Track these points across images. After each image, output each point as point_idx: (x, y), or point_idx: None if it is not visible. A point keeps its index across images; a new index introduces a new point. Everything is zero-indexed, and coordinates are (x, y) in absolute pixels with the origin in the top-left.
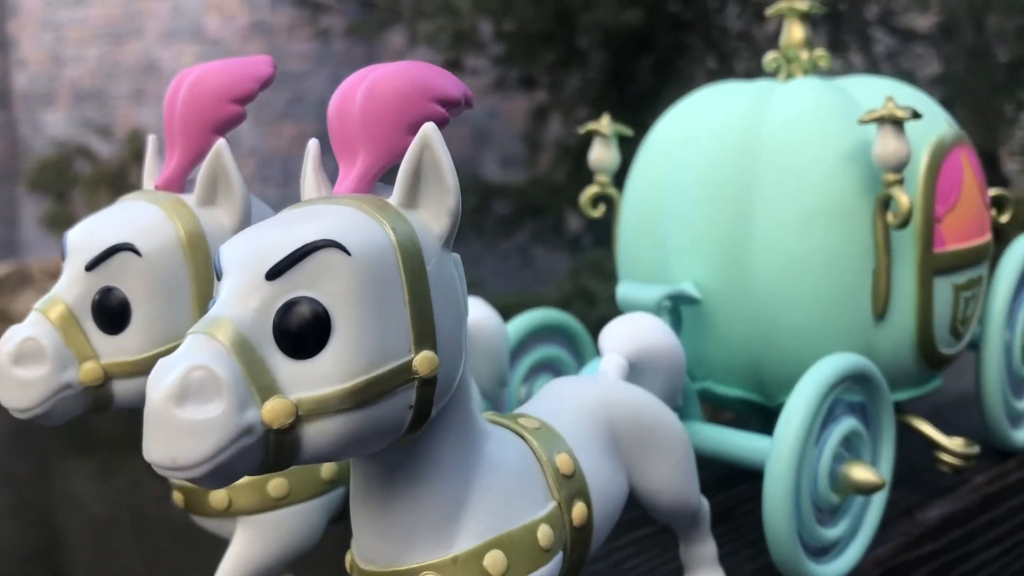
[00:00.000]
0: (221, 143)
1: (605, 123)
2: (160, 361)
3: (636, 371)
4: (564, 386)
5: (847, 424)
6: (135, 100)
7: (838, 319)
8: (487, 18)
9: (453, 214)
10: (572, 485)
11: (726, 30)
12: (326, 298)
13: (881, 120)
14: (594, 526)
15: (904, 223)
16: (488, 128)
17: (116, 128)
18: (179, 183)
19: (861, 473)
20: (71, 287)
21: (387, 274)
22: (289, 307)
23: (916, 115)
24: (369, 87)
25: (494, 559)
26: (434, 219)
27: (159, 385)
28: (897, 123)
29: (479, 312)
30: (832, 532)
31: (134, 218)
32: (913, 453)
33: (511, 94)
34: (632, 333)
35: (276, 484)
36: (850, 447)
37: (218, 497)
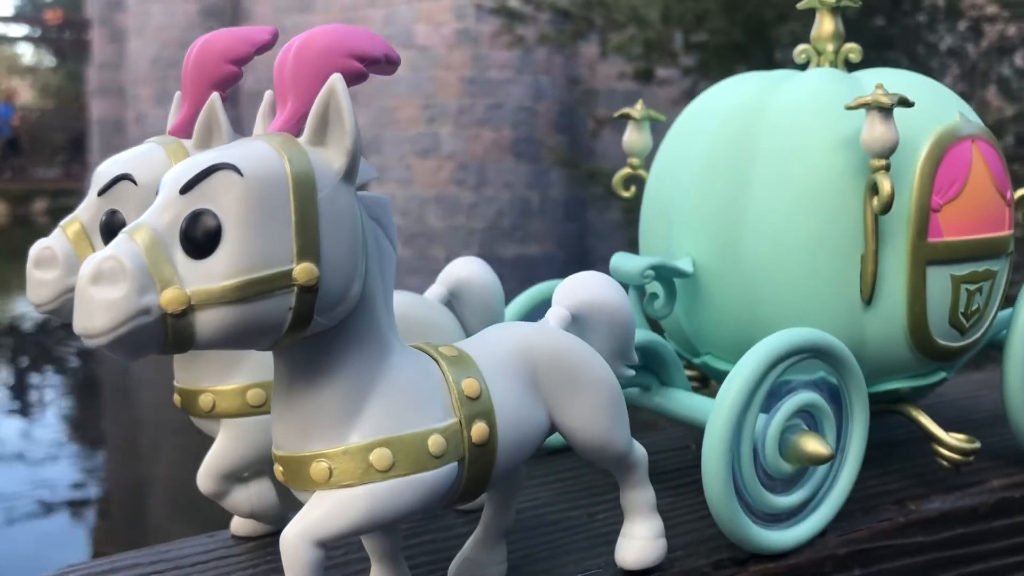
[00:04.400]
0: (214, 97)
1: (638, 108)
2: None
3: (580, 324)
4: (500, 328)
5: (805, 397)
6: None
7: (825, 300)
8: (678, 29)
9: (349, 153)
10: (476, 406)
11: (935, 47)
12: (220, 210)
13: (868, 106)
14: (497, 446)
15: (886, 209)
16: None
17: None
18: (188, 130)
19: (810, 444)
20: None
21: (276, 195)
22: (194, 216)
23: (906, 103)
24: (300, 44)
25: (380, 455)
26: (335, 156)
27: (83, 269)
28: (884, 110)
29: (474, 268)
30: (784, 500)
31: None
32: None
33: None
34: (577, 288)
35: (254, 393)
36: (812, 421)
37: (205, 400)
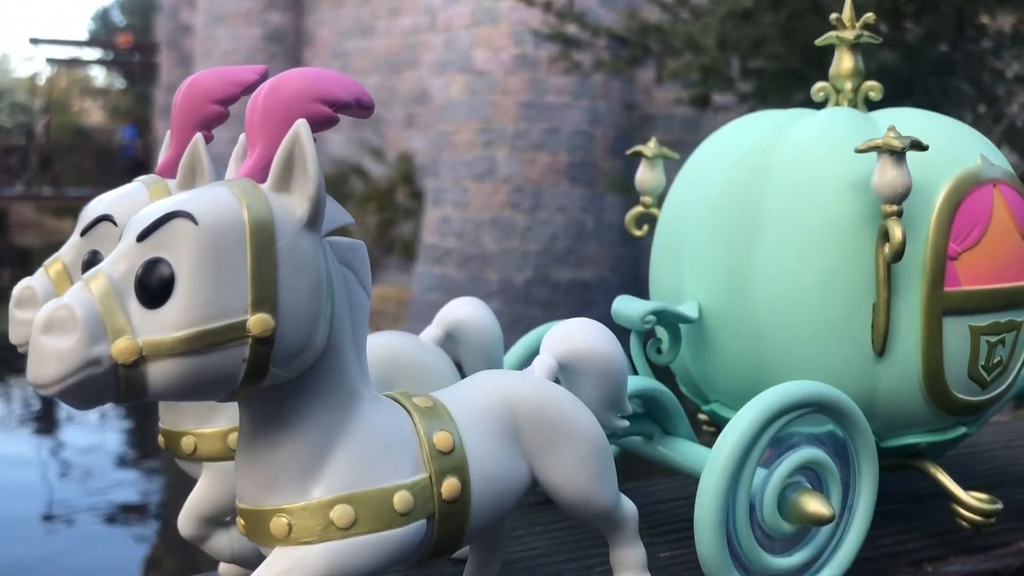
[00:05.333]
0: (197, 137)
1: (651, 145)
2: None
3: (568, 373)
4: (482, 377)
5: (808, 453)
6: (406, 125)
7: (835, 350)
8: (734, 56)
9: (312, 199)
10: (447, 461)
11: (1001, 73)
12: (174, 259)
13: (879, 149)
14: (471, 503)
15: (897, 257)
16: None
17: (387, 150)
18: (174, 170)
19: (811, 504)
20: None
21: (231, 243)
22: (149, 265)
23: (919, 147)
24: (269, 88)
25: (341, 512)
26: (299, 203)
27: (37, 317)
28: (896, 154)
29: (472, 310)
30: (784, 561)
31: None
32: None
33: None
34: (565, 336)
35: (236, 437)
36: (816, 479)
37: (187, 443)
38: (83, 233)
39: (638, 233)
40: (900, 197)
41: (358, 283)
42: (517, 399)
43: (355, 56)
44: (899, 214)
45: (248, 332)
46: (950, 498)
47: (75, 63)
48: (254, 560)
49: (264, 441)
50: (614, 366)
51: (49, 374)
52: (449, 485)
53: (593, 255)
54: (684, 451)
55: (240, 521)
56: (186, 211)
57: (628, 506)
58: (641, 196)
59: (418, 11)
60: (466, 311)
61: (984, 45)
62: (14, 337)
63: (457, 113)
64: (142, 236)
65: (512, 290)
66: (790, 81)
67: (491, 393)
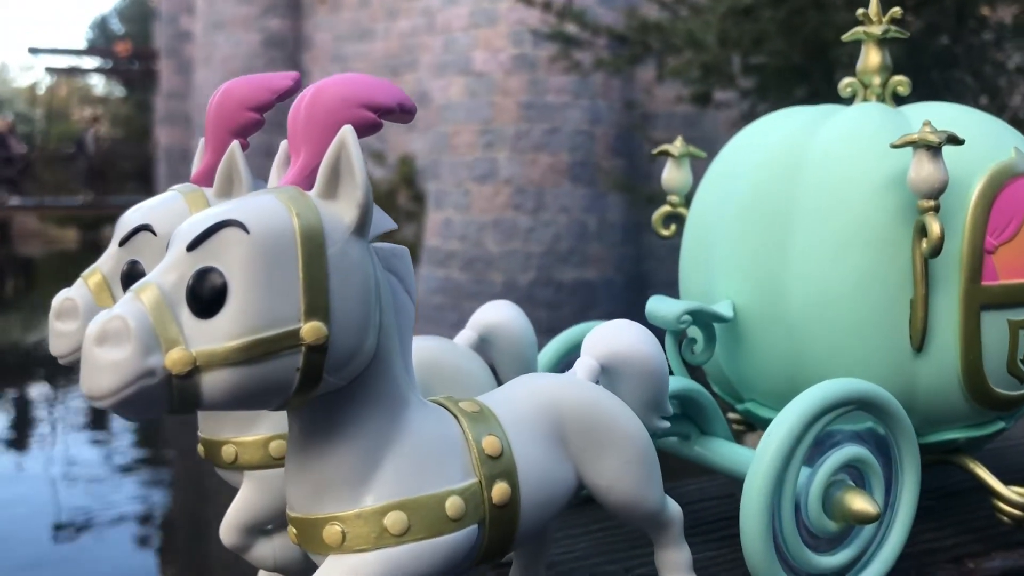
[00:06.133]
0: (234, 145)
1: (677, 144)
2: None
3: (610, 375)
4: (526, 380)
5: (851, 451)
6: (407, 128)
7: (873, 347)
8: (735, 52)
9: (361, 206)
10: (497, 465)
11: (1002, 65)
12: (226, 268)
13: (914, 144)
14: (520, 507)
15: (935, 252)
16: None
17: (388, 153)
18: (210, 178)
19: (856, 502)
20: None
21: (283, 252)
22: (200, 274)
23: (955, 141)
24: (312, 95)
25: (395, 519)
26: (346, 210)
27: (89, 329)
28: (932, 148)
29: (506, 313)
30: (829, 560)
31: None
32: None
33: None
34: (607, 338)
35: (277, 445)
36: (859, 476)
37: (228, 451)
38: (122, 243)
39: (665, 233)
40: (937, 192)
41: (403, 289)
42: (563, 402)
43: (354, 60)
44: (936, 209)
45: (302, 340)
46: (990, 493)
47: (74, 72)
48: (297, 569)
49: (315, 449)
50: (656, 367)
51: (104, 386)
52: (499, 490)
53: (596, 255)
54: (722, 451)
55: (292, 530)
56: (237, 220)
57: (674, 507)
58: (668, 195)
59: (416, 13)
60: (500, 314)
61: (985, 37)
62: (55, 349)
63: (457, 115)
64: (192, 245)
65: (516, 292)
66: (791, 77)
67: (536, 397)
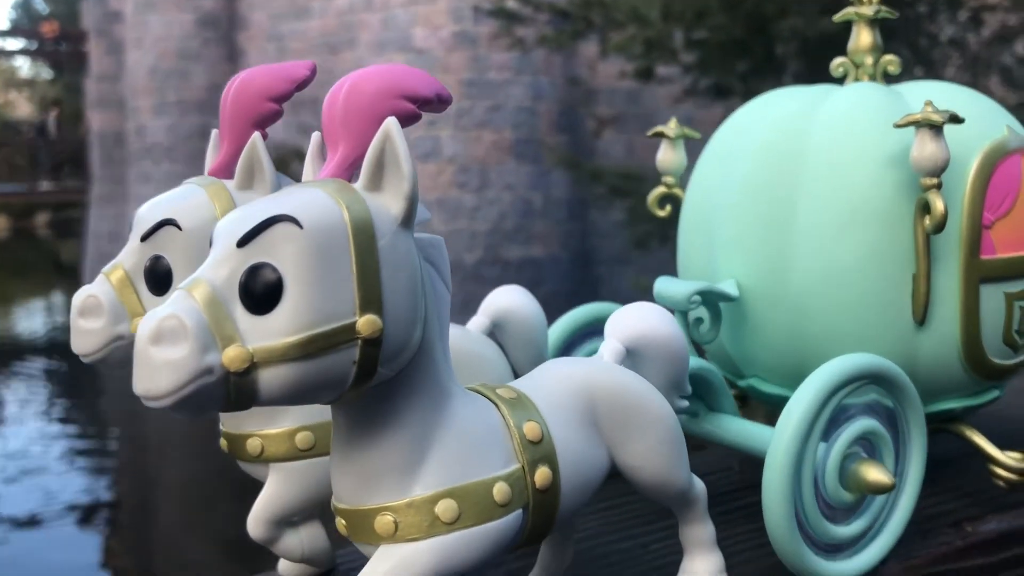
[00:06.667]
0: (255, 137)
1: (672, 125)
2: (150, 311)
3: (635, 357)
4: (556, 365)
5: (863, 424)
6: None
7: (877, 323)
8: (678, 27)
9: (408, 198)
10: (538, 451)
11: (936, 37)
12: (281, 263)
13: (917, 124)
14: (561, 490)
15: (938, 228)
16: None
17: None
18: (229, 171)
19: (872, 473)
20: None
21: (336, 246)
22: (253, 270)
23: (956, 119)
24: (351, 86)
25: (446, 507)
26: (393, 202)
27: (142, 328)
28: (934, 127)
29: (516, 298)
30: (845, 530)
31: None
32: (983, 466)
33: (705, 102)
34: (631, 321)
35: (303, 436)
36: (870, 447)
37: (253, 445)
38: (144, 238)
39: (661, 213)
40: (939, 170)
41: (440, 279)
42: (594, 386)
43: (291, 38)
44: (939, 186)
45: (358, 334)
46: (986, 459)
47: None
48: (325, 560)
49: (362, 441)
50: (678, 348)
51: (163, 386)
52: (541, 474)
53: (542, 232)
54: (731, 427)
55: (340, 521)
56: (290, 215)
57: (699, 484)
58: (663, 176)
59: None
60: (511, 300)
61: (920, 10)
62: (79, 347)
63: None
64: (243, 241)
65: (462, 270)
66: (733, 51)
67: (569, 381)
